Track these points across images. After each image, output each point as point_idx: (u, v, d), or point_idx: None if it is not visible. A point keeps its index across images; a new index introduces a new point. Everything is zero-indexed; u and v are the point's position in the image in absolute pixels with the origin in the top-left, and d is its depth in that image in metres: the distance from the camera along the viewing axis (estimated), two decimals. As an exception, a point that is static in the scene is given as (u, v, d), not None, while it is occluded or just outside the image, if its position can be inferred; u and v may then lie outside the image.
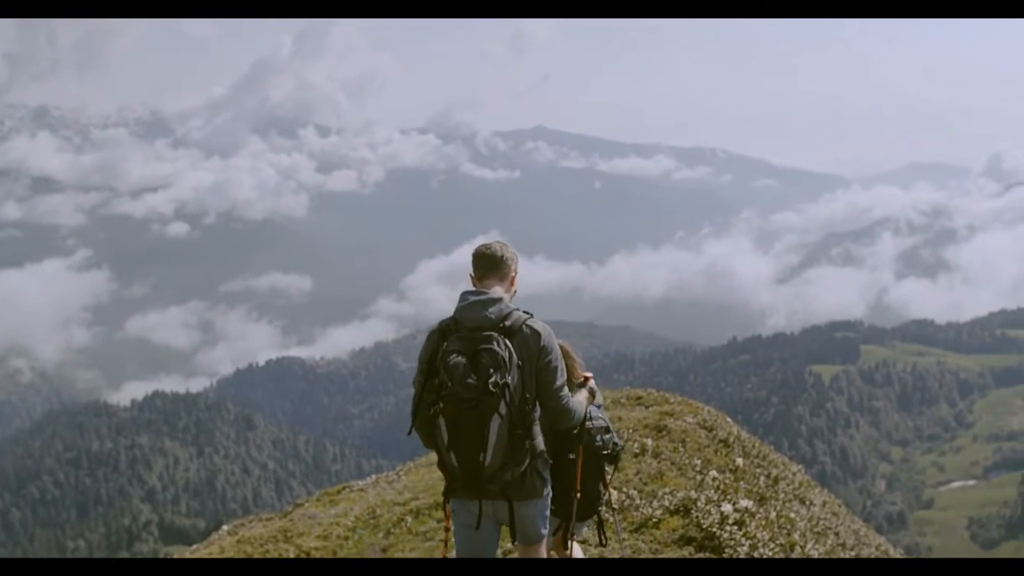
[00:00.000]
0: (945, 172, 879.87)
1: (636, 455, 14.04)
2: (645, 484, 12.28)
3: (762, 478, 14.80)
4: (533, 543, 5.95)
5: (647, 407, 19.13)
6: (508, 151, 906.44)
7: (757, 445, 18.12)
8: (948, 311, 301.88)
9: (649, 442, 14.76)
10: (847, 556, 12.35)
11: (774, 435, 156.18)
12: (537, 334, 5.67)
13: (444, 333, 5.61)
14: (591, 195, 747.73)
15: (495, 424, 5.26)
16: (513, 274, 6.06)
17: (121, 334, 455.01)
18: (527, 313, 5.78)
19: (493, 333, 5.47)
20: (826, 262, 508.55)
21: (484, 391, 5.24)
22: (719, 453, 15.58)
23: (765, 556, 9.27)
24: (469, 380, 5.27)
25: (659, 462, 13.73)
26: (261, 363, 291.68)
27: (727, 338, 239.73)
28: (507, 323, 5.58)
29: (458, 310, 5.73)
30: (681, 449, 14.90)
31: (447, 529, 6.06)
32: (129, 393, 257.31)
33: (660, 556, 9.44)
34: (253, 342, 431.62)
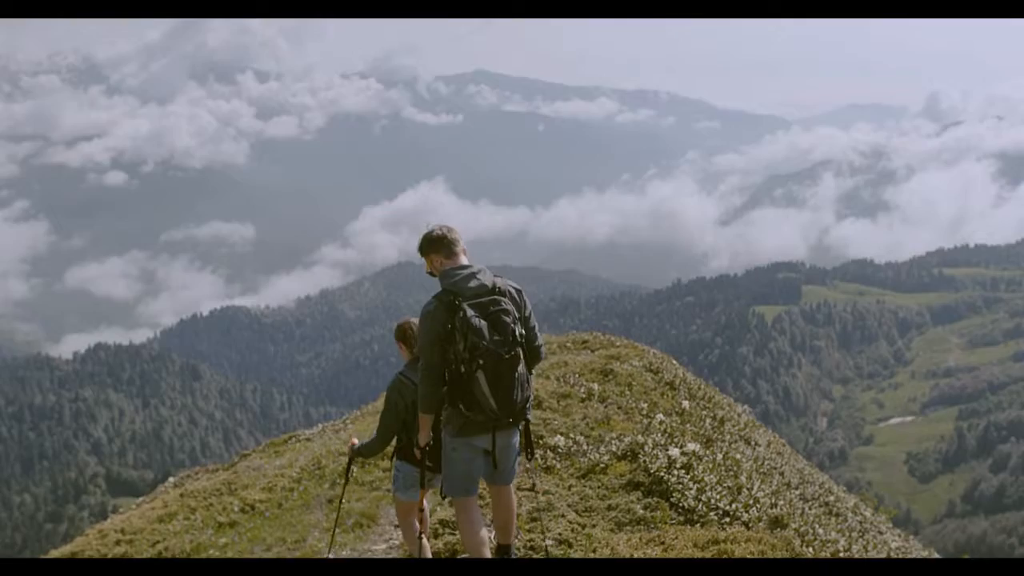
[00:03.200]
0: (884, 112, 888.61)
1: (583, 399, 14.01)
2: (592, 429, 12.26)
3: (708, 420, 14.88)
4: (515, 463, 7.10)
5: (593, 351, 19.15)
6: (450, 95, 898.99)
7: (703, 387, 18.23)
8: (888, 251, 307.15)
9: (595, 386, 14.75)
10: (792, 494, 12.46)
11: (719, 376, 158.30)
12: (519, 291, 6.79)
13: (450, 305, 6.43)
14: (535, 138, 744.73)
15: (521, 367, 6.48)
16: (464, 246, 6.85)
17: (60, 286, 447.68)
18: (497, 275, 6.76)
19: (495, 296, 6.51)
20: (769, 203, 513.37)
21: (512, 343, 6.40)
22: (665, 396, 15.64)
23: (712, 500, 9.28)
24: (496, 337, 6.34)
25: (606, 406, 13.72)
26: (205, 313, 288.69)
27: (672, 280, 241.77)
28: (498, 286, 6.61)
29: (453, 284, 6.53)
30: (628, 393, 14.92)
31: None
32: (70, 346, 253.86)
33: (608, 502, 9.41)
34: (196, 292, 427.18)
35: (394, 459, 7.96)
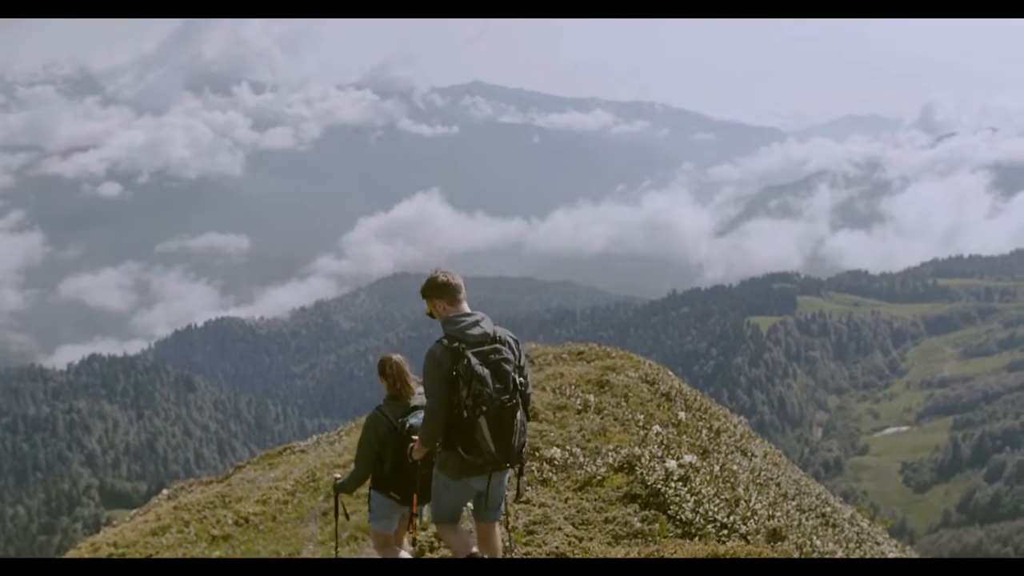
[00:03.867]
0: (878, 124, 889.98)
1: (579, 411, 13.94)
2: (588, 441, 12.19)
3: (704, 431, 14.82)
4: (502, 502, 7.34)
5: (589, 362, 19.08)
6: (446, 107, 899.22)
7: (699, 398, 18.16)
8: (882, 261, 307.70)
9: (592, 398, 14.68)
10: (789, 505, 12.40)
11: (714, 386, 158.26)
12: (515, 340, 6.95)
13: (455, 351, 6.64)
14: (530, 150, 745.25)
15: (519, 414, 6.70)
16: (465, 293, 7.08)
17: (55, 297, 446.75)
18: (496, 325, 6.97)
19: (496, 345, 6.71)
20: (764, 214, 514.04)
21: (513, 391, 6.63)
22: (662, 407, 15.57)
23: (710, 512, 9.22)
24: (498, 385, 6.56)
25: (602, 418, 13.65)
26: (200, 324, 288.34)
27: (667, 291, 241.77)
28: (498, 335, 6.81)
29: (457, 331, 6.75)
30: (624, 404, 14.85)
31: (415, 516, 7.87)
32: (64, 357, 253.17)
33: (605, 515, 9.34)
34: (191, 303, 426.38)
35: (370, 490, 8.16)
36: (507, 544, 8.03)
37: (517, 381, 6.67)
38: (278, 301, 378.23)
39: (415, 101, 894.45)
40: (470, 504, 7.41)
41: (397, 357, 8.06)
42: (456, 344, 6.65)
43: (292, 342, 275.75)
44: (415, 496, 7.78)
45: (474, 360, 6.54)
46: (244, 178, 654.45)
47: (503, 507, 7.35)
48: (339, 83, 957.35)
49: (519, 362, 6.83)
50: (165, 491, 19.17)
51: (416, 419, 7.76)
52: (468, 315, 6.86)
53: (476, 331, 6.72)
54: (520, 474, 7.13)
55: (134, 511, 17.90)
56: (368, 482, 8.17)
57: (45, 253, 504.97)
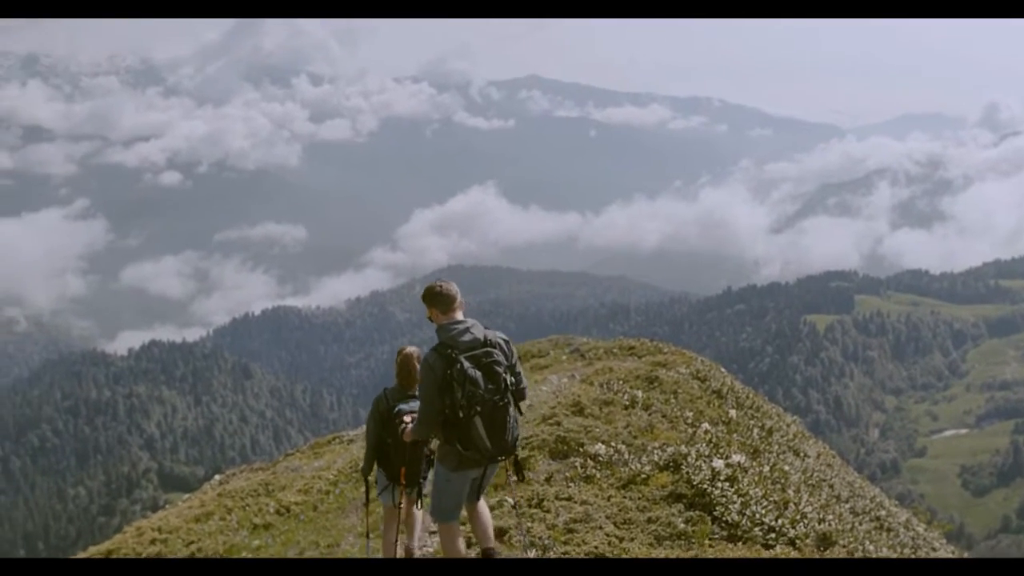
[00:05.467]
0: (940, 122, 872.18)
1: (626, 407, 13.71)
2: (635, 438, 11.95)
3: (756, 430, 14.53)
4: (489, 481, 7.81)
5: (640, 357, 18.86)
6: (502, 100, 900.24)
7: (751, 396, 17.85)
8: (943, 261, 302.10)
9: (640, 393, 14.45)
10: (842, 508, 12.09)
11: (768, 385, 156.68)
12: (507, 342, 7.46)
13: (448, 357, 7.06)
14: (586, 144, 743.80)
15: (512, 411, 7.21)
16: (462, 300, 7.48)
17: (116, 283, 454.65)
18: (487, 328, 7.43)
19: (488, 348, 7.17)
20: (822, 212, 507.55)
21: (504, 390, 7.13)
22: (712, 404, 15.30)
23: (758, 514, 8.95)
24: (490, 386, 7.04)
25: (650, 414, 13.41)
26: (257, 313, 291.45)
27: (722, 288, 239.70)
28: (489, 338, 7.26)
29: (450, 338, 7.17)
30: (673, 401, 14.60)
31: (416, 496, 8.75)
32: (124, 342, 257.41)
33: (648, 514, 9.12)
34: (248, 292, 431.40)
35: (376, 467, 8.99)
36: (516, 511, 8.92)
37: (508, 381, 7.16)
38: (334, 291, 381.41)
39: (471, 94, 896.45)
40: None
41: (409, 350, 8.88)
42: (449, 350, 7.08)
43: (347, 332, 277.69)
44: (403, 469, 8.61)
45: (467, 364, 7.01)
46: (301, 169, 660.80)
47: (486, 488, 7.88)
48: (396, 76, 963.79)
49: (510, 362, 7.30)
50: (217, 477, 19.30)
51: (407, 405, 8.59)
52: (460, 322, 7.27)
53: (467, 337, 7.16)
54: (517, 462, 7.74)
55: (185, 497, 18.02)
56: None
57: (108, 241, 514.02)
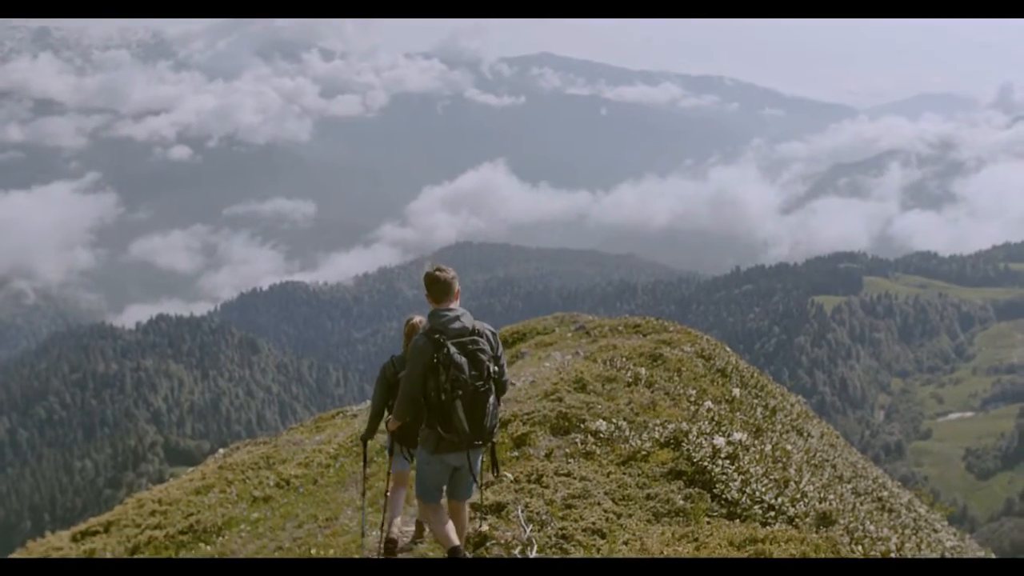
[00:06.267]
0: (953, 103, 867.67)
1: (629, 384, 13.66)
2: (636, 415, 11.90)
3: (759, 409, 14.47)
4: (473, 483, 7.97)
5: (645, 335, 18.80)
6: (513, 77, 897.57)
7: (755, 375, 17.80)
8: (953, 243, 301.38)
9: (643, 371, 14.38)
10: (844, 488, 12.04)
11: (775, 365, 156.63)
12: (493, 333, 7.67)
13: (436, 342, 7.33)
14: (597, 122, 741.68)
15: (492, 398, 7.42)
16: (458, 288, 7.73)
17: (125, 257, 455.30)
18: (477, 320, 7.65)
19: (475, 337, 7.43)
20: (832, 193, 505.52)
21: (487, 377, 7.37)
22: (716, 383, 15.24)
23: (757, 492, 8.90)
24: (474, 372, 7.30)
25: (652, 392, 13.35)
26: (265, 288, 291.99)
27: (731, 268, 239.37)
28: (477, 328, 7.50)
29: (440, 324, 7.43)
30: (676, 378, 14.55)
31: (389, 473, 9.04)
32: (132, 316, 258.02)
33: (647, 491, 9.07)
34: (257, 267, 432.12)
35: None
36: (486, 516, 8.90)
37: (491, 369, 7.42)
38: (342, 267, 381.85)
39: (483, 71, 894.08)
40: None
41: (417, 319, 9.02)
42: (438, 335, 7.34)
43: (355, 308, 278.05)
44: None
45: (453, 349, 7.29)
46: (311, 144, 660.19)
47: (473, 489, 8.04)
48: (407, 52, 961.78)
49: (495, 352, 7.56)
50: (222, 451, 19.32)
51: None
52: (451, 310, 7.53)
53: (457, 324, 7.42)
54: (494, 451, 7.90)
55: (189, 470, 18.05)
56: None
57: (118, 214, 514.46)
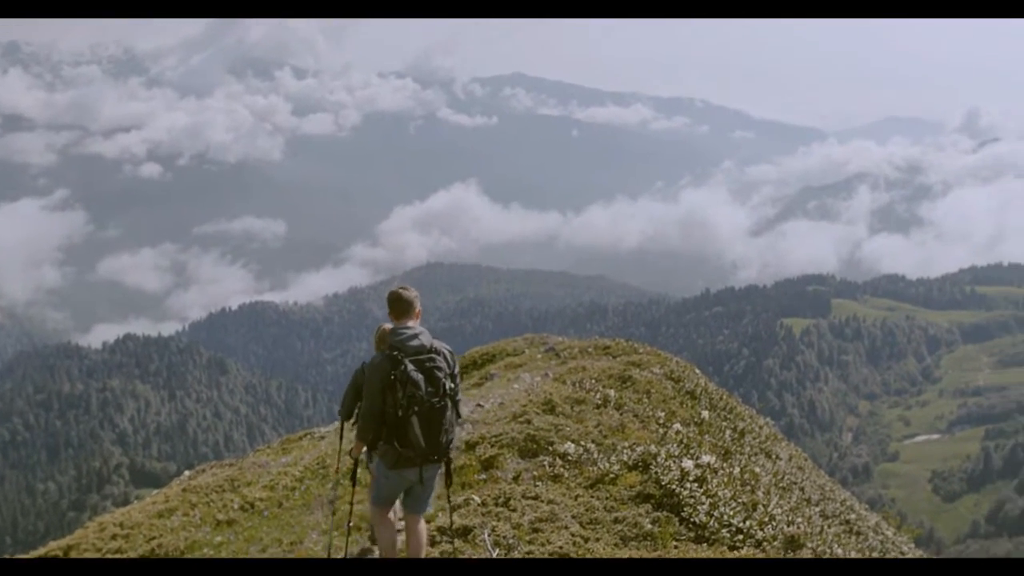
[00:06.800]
0: (921, 127, 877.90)
1: (598, 406, 13.60)
2: (605, 437, 11.84)
3: (728, 431, 14.47)
4: (429, 497, 8.19)
5: (614, 357, 18.77)
6: (486, 97, 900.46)
7: (724, 397, 17.80)
8: (920, 266, 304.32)
9: (612, 393, 14.34)
10: (812, 511, 12.04)
11: (744, 387, 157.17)
12: (451, 352, 7.86)
13: (394, 359, 7.52)
14: (568, 143, 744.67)
15: (448, 414, 7.62)
16: (419, 309, 7.96)
17: (93, 275, 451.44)
18: (435, 338, 7.84)
19: (432, 355, 7.61)
20: (802, 215, 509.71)
21: (443, 394, 7.56)
22: (685, 405, 15.23)
23: (726, 516, 8.86)
24: (430, 389, 7.49)
25: (621, 414, 13.31)
26: (234, 307, 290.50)
27: (701, 289, 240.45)
28: (434, 346, 7.68)
29: (399, 342, 7.62)
30: (646, 400, 14.52)
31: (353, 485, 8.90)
32: (99, 335, 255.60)
33: (615, 514, 9.01)
34: (226, 286, 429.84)
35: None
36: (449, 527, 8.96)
37: (447, 387, 7.59)
38: (312, 287, 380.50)
39: (455, 91, 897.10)
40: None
41: (388, 326, 8.72)
42: (396, 352, 7.55)
43: (325, 328, 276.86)
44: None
45: (410, 367, 7.47)
46: (283, 163, 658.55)
47: (429, 504, 8.25)
48: (381, 71, 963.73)
49: (451, 371, 7.75)
50: (187, 472, 19.05)
51: None
52: (409, 328, 7.72)
53: (414, 343, 7.60)
54: (449, 467, 8.03)
55: (154, 492, 17.80)
56: None
57: (86, 232, 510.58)
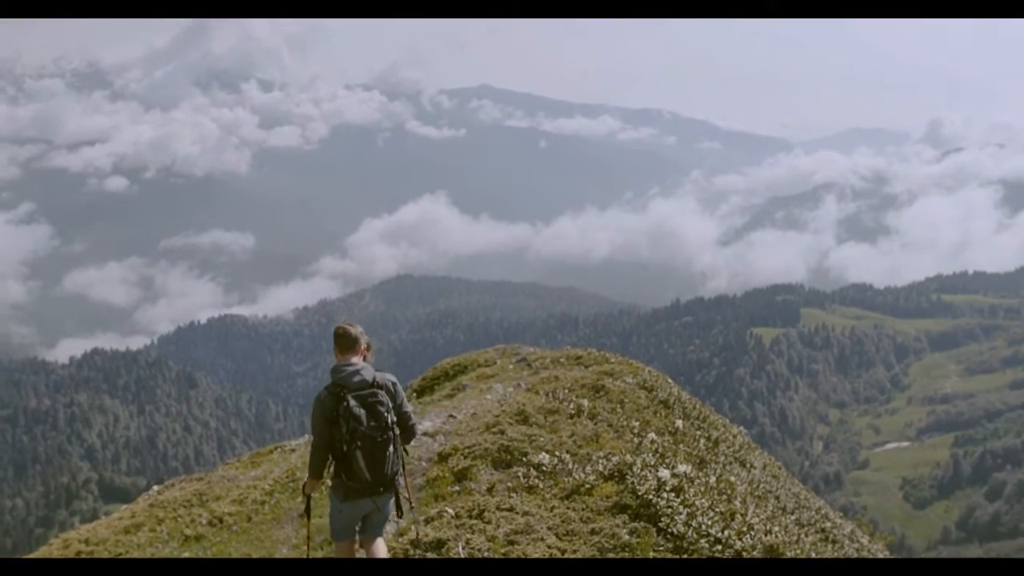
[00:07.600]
0: (885, 138, 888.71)
1: (571, 416, 13.47)
2: (579, 447, 11.70)
3: (702, 440, 14.38)
4: (384, 523, 8.37)
5: (587, 367, 18.66)
6: (453, 109, 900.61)
7: (698, 406, 17.72)
8: (887, 275, 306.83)
9: (586, 403, 14.22)
10: (788, 520, 11.96)
11: (715, 397, 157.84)
12: (395, 383, 8.12)
13: (336, 395, 7.77)
14: (537, 155, 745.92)
15: (391, 448, 7.80)
16: (364, 346, 8.21)
17: (59, 290, 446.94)
18: (379, 371, 8.06)
19: (374, 389, 7.82)
20: (769, 225, 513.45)
21: (385, 428, 7.75)
22: (659, 415, 15.12)
23: (704, 525, 8.75)
24: (372, 423, 7.69)
25: (596, 424, 13.18)
26: (203, 321, 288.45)
27: (670, 299, 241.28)
28: (377, 380, 7.91)
29: (341, 379, 7.85)
30: (619, 410, 14.40)
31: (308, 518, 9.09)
32: (65, 350, 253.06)
33: (592, 525, 8.87)
34: (194, 300, 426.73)
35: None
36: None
37: (390, 420, 7.78)
38: (281, 300, 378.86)
39: (423, 103, 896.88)
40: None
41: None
42: (339, 389, 7.78)
43: (295, 341, 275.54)
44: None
45: (352, 402, 7.69)
46: (250, 176, 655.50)
47: (383, 527, 8.40)
48: (348, 83, 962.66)
49: (397, 402, 8.01)
50: (155, 487, 18.70)
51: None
52: (351, 365, 7.95)
53: (356, 378, 7.83)
54: (397, 496, 8.19)
55: (122, 508, 17.46)
56: None
57: (52, 247, 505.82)
